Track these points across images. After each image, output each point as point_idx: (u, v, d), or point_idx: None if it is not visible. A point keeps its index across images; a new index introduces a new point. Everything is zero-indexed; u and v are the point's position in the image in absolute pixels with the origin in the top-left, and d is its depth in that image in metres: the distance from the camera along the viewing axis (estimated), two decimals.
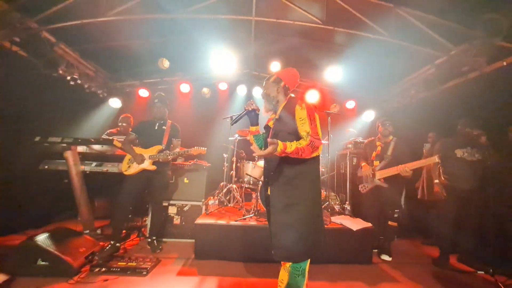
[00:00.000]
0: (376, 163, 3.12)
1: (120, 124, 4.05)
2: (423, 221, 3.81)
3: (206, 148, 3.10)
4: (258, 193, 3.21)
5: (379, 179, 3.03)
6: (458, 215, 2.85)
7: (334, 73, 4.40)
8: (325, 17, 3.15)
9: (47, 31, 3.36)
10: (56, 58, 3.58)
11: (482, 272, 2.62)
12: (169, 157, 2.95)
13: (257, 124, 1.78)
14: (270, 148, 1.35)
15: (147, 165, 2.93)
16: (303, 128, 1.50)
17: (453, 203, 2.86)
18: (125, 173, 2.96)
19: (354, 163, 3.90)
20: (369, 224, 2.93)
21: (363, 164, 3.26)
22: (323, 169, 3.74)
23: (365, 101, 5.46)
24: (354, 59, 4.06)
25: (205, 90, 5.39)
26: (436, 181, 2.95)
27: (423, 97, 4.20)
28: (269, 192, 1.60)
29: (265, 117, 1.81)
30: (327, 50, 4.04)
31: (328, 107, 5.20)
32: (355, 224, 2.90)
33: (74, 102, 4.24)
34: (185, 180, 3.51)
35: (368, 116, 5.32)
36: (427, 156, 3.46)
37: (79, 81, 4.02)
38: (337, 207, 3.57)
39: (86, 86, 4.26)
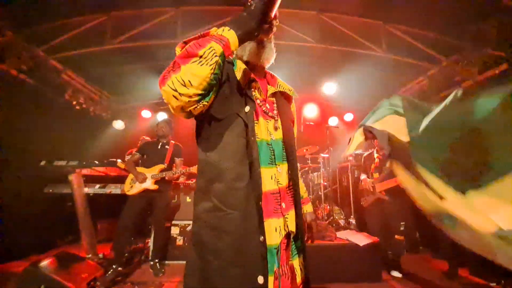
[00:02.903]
0: (375, 175, 3.12)
1: (139, 145, 4.11)
2: (431, 234, 3.72)
3: None
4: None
5: (380, 192, 3.01)
6: None
7: (330, 87, 4.52)
8: (318, 36, 3.31)
9: (55, 59, 3.54)
10: (63, 84, 3.74)
11: (494, 284, 2.53)
12: (175, 175, 2.98)
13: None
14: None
15: (149, 184, 2.96)
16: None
17: None
18: (128, 193, 2.98)
19: (356, 176, 3.89)
20: (375, 239, 2.87)
21: (363, 177, 3.26)
22: (325, 183, 3.73)
23: (363, 114, 5.47)
24: (349, 73, 4.19)
25: None
26: None
27: None
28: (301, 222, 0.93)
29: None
30: (322, 66, 4.19)
31: (327, 121, 5.27)
32: (361, 239, 2.85)
33: (79, 125, 4.36)
34: (188, 199, 3.51)
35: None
36: None
37: (84, 105, 4.16)
38: (342, 222, 3.52)
39: (91, 109, 4.40)
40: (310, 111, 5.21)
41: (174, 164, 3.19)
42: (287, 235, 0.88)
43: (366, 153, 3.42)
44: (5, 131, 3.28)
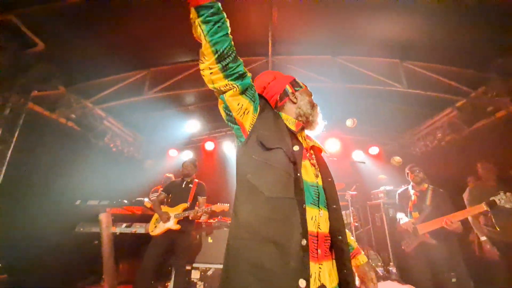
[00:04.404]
0: (415, 214, 2.82)
1: (163, 182, 4.29)
2: (490, 286, 3.08)
3: (228, 205, 3.10)
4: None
5: (423, 234, 2.67)
6: None
7: (352, 122, 4.50)
8: (335, 76, 3.47)
9: (100, 109, 4.05)
10: (104, 129, 4.19)
11: None
12: (197, 213, 2.98)
13: None
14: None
15: (171, 224, 2.96)
16: None
17: (506, 261, 2.43)
18: (151, 233, 2.99)
19: (390, 215, 3.54)
20: None
21: (400, 216, 2.96)
22: (356, 224, 3.43)
23: (389, 146, 5.33)
24: (371, 107, 4.19)
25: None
26: (483, 238, 2.55)
27: (452, 140, 4.02)
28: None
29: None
30: (342, 102, 4.26)
31: (350, 155, 5.11)
32: None
33: (113, 165, 4.70)
34: (210, 240, 3.39)
35: (396, 160, 5.09)
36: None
37: (120, 147, 4.55)
38: (380, 270, 3.09)
39: (125, 150, 4.79)
40: (332, 146, 5.13)
41: (197, 203, 3.21)
42: None
43: (400, 190, 3.17)
44: (48, 173, 3.62)
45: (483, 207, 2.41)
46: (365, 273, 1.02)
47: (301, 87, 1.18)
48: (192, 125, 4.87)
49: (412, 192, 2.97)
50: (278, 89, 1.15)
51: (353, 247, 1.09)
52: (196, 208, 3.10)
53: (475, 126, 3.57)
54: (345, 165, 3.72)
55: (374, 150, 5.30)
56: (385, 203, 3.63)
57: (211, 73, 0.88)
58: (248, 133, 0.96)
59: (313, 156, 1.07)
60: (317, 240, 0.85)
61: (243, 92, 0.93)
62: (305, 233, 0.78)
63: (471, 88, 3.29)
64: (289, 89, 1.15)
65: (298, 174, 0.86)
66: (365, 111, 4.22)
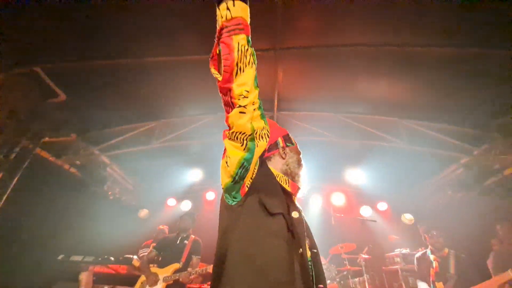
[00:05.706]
0: (439, 285, 2.46)
1: (155, 235, 3.98)
2: None
3: None
4: None
5: None
6: None
7: (357, 176, 4.42)
8: (337, 132, 3.57)
9: (106, 156, 4.09)
10: (105, 176, 4.14)
11: None
12: (190, 276, 2.63)
13: None
14: None
15: None
16: None
17: None
18: None
19: (410, 284, 3.09)
20: None
21: (422, 287, 2.57)
22: None
23: (398, 202, 5.08)
24: (375, 162, 4.16)
25: None
26: None
27: (465, 196, 3.83)
28: None
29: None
30: (346, 157, 4.27)
31: (357, 211, 4.83)
32: None
33: (109, 213, 4.46)
34: None
35: (407, 218, 4.77)
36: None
37: (117, 195, 4.41)
38: None
39: (123, 198, 4.61)
40: (338, 200, 4.92)
41: (190, 263, 2.88)
42: None
43: (417, 254, 2.84)
44: (39, 221, 3.41)
45: (510, 274, 2.13)
46: None
47: (292, 144, 1.13)
48: (195, 174, 4.82)
49: (431, 257, 2.66)
50: (270, 139, 1.05)
51: None
52: (189, 269, 2.76)
53: (486, 183, 3.46)
54: (354, 223, 3.47)
55: (383, 206, 5.03)
56: (403, 270, 3.21)
57: (254, 109, 0.78)
58: (247, 190, 0.82)
59: None
60: None
61: None
62: None
63: (473, 146, 3.31)
64: (280, 142, 1.09)
65: (301, 250, 0.73)
66: (371, 165, 4.19)
